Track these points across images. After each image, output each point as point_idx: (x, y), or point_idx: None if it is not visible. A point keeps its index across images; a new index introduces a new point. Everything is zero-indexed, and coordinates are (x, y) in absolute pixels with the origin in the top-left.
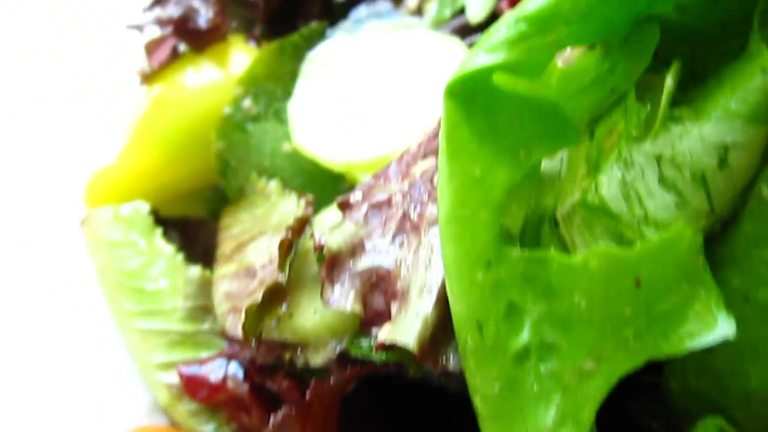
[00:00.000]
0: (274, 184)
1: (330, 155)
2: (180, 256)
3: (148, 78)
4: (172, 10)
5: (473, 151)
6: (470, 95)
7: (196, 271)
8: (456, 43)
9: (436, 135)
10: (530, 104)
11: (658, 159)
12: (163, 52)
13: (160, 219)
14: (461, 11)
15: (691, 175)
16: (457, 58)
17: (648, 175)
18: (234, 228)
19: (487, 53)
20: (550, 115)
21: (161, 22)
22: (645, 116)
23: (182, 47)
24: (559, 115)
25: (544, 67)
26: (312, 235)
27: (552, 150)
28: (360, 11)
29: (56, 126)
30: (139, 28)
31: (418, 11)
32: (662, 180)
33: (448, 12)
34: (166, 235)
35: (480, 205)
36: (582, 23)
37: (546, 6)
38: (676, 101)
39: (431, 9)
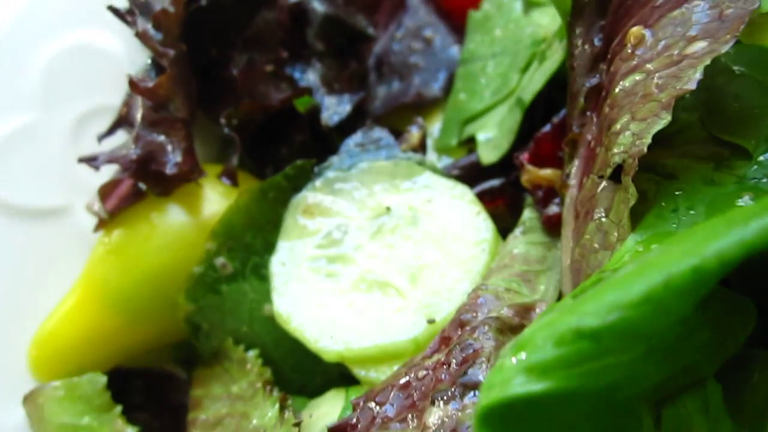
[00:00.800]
0: (252, 355)
1: (319, 342)
2: None
3: (103, 224)
4: (132, 150)
5: None
6: (510, 418)
7: None
8: (468, 196)
9: (450, 363)
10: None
11: None
12: (121, 194)
13: (121, 373)
14: (469, 140)
15: None
16: (468, 217)
17: None
18: (206, 407)
19: (533, 378)
20: (604, 404)
21: (119, 161)
22: None
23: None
24: (615, 401)
25: (612, 393)
26: None
27: None
28: (354, 140)
29: None
30: (94, 164)
31: (421, 147)
32: None
33: (454, 141)
34: (129, 393)
35: None
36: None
37: (620, 319)
38: None
39: (434, 131)
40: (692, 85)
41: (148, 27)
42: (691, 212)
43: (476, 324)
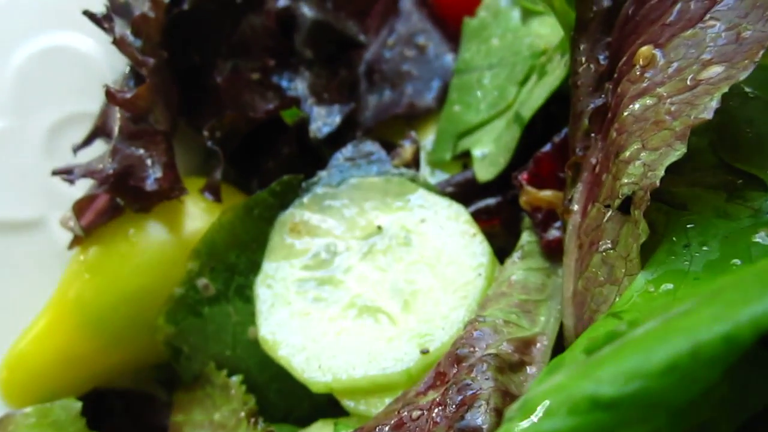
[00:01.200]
0: (235, 381)
1: (305, 373)
2: None
3: (78, 240)
4: (109, 164)
5: None
6: None
7: None
8: (463, 216)
9: (447, 405)
10: None
11: None
12: (97, 209)
13: (99, 394)
14: (464, 154)
15: None
16: (464, 239)
17: None
18: None
19: None
20: None
21: (95, 175)
22: None
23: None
24: None
25: None
26: None
27: None
28: (344, 153)
29: None
30: (69, 177)
31: (414, 163)
32: None
33: (448, 155)
34: (108, 415)
35: None
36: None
37: (642, 388)
38: None
39: (427, 144)
40: (708, 115)
41: (127, 33)
42: (705, 248)
43: (473, 361)
